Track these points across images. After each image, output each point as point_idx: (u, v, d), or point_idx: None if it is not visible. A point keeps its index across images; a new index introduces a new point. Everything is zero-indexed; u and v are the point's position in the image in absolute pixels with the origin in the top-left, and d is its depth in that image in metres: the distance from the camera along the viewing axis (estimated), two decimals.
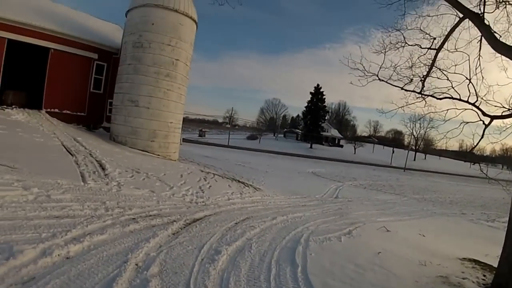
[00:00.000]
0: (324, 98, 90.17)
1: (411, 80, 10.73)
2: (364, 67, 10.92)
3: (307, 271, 6.29)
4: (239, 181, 16.72)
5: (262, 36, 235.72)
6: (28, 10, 21.52)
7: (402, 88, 10.64)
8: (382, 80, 10.77)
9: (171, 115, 20.24)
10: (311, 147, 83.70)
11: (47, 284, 4.34)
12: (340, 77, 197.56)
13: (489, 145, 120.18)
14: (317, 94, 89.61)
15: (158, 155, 19.54)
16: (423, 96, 10.47)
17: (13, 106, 19.60)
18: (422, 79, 10.64)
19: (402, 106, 10.90)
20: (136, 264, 5.40)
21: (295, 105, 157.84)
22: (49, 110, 20.94)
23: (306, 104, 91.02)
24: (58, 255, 5.17)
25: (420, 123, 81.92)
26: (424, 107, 10.78)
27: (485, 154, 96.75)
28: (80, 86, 22.43)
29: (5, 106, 19.14)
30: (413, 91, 10.61)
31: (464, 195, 33.73)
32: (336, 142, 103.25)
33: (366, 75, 10.91)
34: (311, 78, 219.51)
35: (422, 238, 12.26)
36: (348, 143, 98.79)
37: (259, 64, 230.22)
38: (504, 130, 9.67)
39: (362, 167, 54.90)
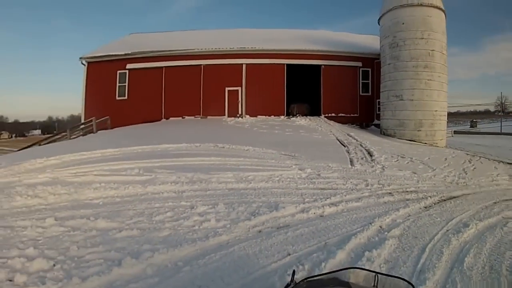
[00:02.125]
0: None
1: None
2: None
3: None
4: (507, 163, 14.61)
5: None
6: (297, 40, 24.58)
7: None
8: None
9: (434, 104, 19.24)
10: None
11: (296, 230, 5.09)
12: None
13: None
14: None
15: (425, 143, 18.81)
16: None
17: (297, 115, 22.31)
18: None
19: None
20: (380, 226, 5.52)
21: None
22: (326, 115, 23.19)
23: None
24: (314, 213, 5.90)
25: None
26: None
27: None
28: (350, 92, 24.11)
29: (291, 116, 22.13)
30: None
31: None
32: None
33: None
34: None
35: None
36: None
37: None
38: None
39: None
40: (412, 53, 19.03)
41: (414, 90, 19.08)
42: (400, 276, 1.89)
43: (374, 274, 1.84)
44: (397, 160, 12.16)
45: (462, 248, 4.97)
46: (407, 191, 8.21)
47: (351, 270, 1.84)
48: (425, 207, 7.03)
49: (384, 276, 1.83)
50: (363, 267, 2.78)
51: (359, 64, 24.15)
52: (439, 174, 10.79)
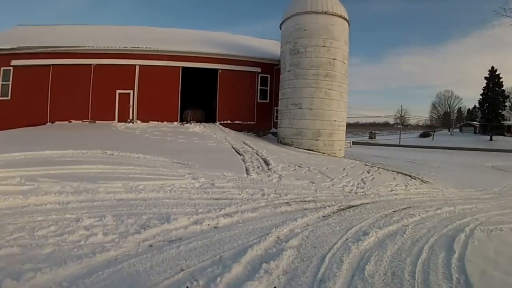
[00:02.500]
0: (502, 82, 78.20)
1: None
2: None
3: (465, 258, 5.47)
4: (405, 174, 15.82)
5: (422, 28, 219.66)
6: (195, 41, 24.40)
7: None
8: None
9: (334, 114, 20.26)
10: (491, 139, 71.37)
11: (189, 243, 4.88)
12: None
13: None
14: (493, 78, 78.55)
15: (323, 153, 19.72)
16: None
17: (191, 121, 22.06)
18: None
19: None
20: (277, 237, 5.53)
21: (470, 95, 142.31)
22: (222, 122, 23.21)
23: (481, 92, 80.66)
24: (208, 224, 5.74)
25: None
26: None
27: None
28: (248, 98, 24.40)
29: (185, 122, 21.79)
30: None
31: None
32: None
33: None
34: (484, 63, 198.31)
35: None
36: None
37: (425, 57, 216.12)
38: None
39: None
40: (313, 61, 19.86)
41: (313, 99, 19.90)
42: None
43: None
44: (295, 170, 12.50)
45: (363, 256, 5.15)
46: (305, 201, 8.40)
47: None
48: (324, 217, 7.21)
49: None
50: None
51: (258, 69, 24.61)
52: (337, 184, 11.29)
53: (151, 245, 4.80)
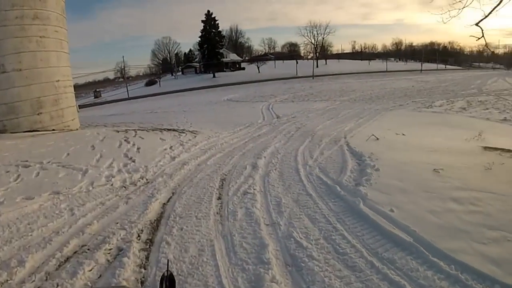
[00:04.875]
0: (218, 24, 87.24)
1: None
2: None
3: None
4: (168, 130, 13.24)
5: None
6: None
7: None
8: None
9: (55, 71, 14.56)
10: (214, 76, 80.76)
11: None
12: (224, 4, 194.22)
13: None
14: (210, 21, 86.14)
15: (53, 129, 14.13)
16: None
17: None
18: None
19: None
20: None
21: (188, 41, 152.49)
22: None
23: (200, 35, 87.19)
24: None
25: (317, 31, 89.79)
26: None
27: (376, 51, 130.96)
28: None
29: None
30: None
31: (380, 89, 33.16)
32: (237, 65, 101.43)
33: None
34: (196, 11, 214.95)
35: (407, 137, 10.66)
36: (249, 64, 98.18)
37: (136, 9, 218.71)
38: None
39: (272, 84, 53.56)
40: None
41: (21, 54, 13.64)
42: None
43: None
44: (18, 176, 7.12)
45: None
46: (56, 261, 4.13)
47: None
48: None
49: None
50: None
51: None
52: (98, 178, 7.21)
53: None
